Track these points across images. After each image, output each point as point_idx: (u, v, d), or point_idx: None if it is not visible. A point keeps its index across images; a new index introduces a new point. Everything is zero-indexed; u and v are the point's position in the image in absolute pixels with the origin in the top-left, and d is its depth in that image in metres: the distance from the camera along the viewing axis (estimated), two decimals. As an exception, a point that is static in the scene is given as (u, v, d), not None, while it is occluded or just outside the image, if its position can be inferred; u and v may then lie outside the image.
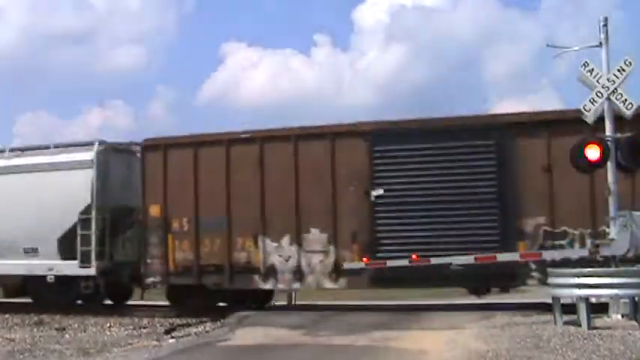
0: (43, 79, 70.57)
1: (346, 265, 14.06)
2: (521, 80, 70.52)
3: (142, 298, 16.88)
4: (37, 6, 69.83)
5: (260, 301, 15.91)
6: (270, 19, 75.24)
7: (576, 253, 12.77)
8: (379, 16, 69.02)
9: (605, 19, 12.32)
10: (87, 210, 16.25)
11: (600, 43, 12.31)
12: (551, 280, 11.52)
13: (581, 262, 12.13)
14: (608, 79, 12.02)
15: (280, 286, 15.00)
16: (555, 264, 12.33)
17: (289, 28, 76.31)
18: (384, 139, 14.29)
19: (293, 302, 16.57)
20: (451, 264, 12.97)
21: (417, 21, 68.54)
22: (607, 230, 12.20)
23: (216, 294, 15.50)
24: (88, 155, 16.54)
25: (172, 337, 12.63)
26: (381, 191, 14.14)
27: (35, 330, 14.23)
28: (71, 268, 16.14)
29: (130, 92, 75.89)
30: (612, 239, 11.83)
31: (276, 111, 67.27)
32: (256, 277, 14.82)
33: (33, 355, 11.06)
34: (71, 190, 16.34)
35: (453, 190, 13.87)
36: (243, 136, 15.40)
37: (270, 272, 14.77)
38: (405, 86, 69.56)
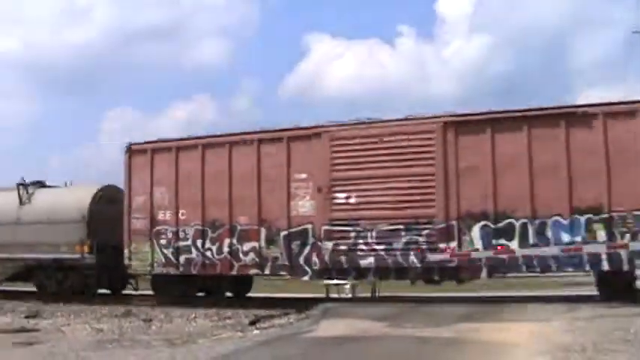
0: (129, 75, 70.54)
1: (431, 257, 13.69)
2: (608, 68, 66.16)
3: None
4: (122, 3, 69.96)
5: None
6: (354, 10, 74.23)
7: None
8: (462, 5, 67.99)
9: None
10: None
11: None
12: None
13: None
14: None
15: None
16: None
17: (373, 19, 74.25)
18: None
19: (377, 294, 16.33)
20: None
21: (500, 9, 67.26)
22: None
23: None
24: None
25: (257, 329, 12.54)
26: None
27: (123, 320, 14.27)
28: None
29: (214, 86, 75.36)
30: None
31: (360, 102, 66.16)
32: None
33: (121, 345, 11.07)
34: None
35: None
36: None
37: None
38: (490, 75, 68.16)
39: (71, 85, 67.96)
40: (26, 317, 14.94)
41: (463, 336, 9.69)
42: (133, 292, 17.85)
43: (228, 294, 16.77)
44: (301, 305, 14.11)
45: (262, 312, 14.00)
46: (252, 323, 12.97)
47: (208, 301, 15.42)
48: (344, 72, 69.74)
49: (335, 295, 16.06)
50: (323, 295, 15.96)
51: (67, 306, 16.01)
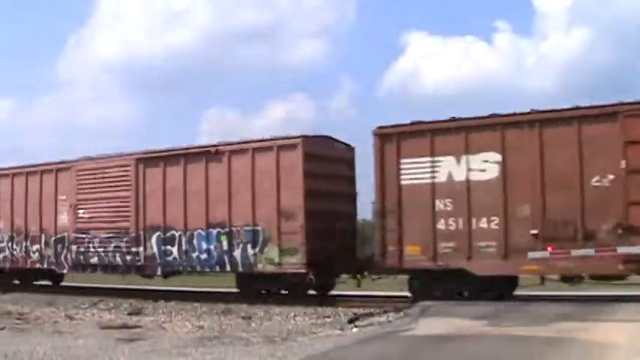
0: (225, 76, 71.74)
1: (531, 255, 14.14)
2: None
3: None
4: (219, 5, 72.59)
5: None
6: (450, 7, 73.50)
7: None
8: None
9: None
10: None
11: None
12: None
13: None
14: None
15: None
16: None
17: (469, 15, 73.49)
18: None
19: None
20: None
21: (600, 1, 64.41)
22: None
23: None
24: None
25: (355, 327, 12.68)
26: None
27: (223, 318, 14.74)
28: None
29: (311, 85, 75.63)
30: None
31: (457, 99, 64.02)
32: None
33: (221, 342, 11.27)
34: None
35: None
36: None
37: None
38: (590, 71, 64.32)
39: (169, 88, 70.70)
40: (129, 314, 16.17)
41: (561, 335, 9.65)
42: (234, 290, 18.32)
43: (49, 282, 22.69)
44: (400, 303, 14.57)
45: (361, 310, 14.65)
46: (351, 321, 13.42)
47: (308, 300, 16.29)
48: (441, 69, 68.39)
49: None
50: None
51: (168, 303, 17.27)
